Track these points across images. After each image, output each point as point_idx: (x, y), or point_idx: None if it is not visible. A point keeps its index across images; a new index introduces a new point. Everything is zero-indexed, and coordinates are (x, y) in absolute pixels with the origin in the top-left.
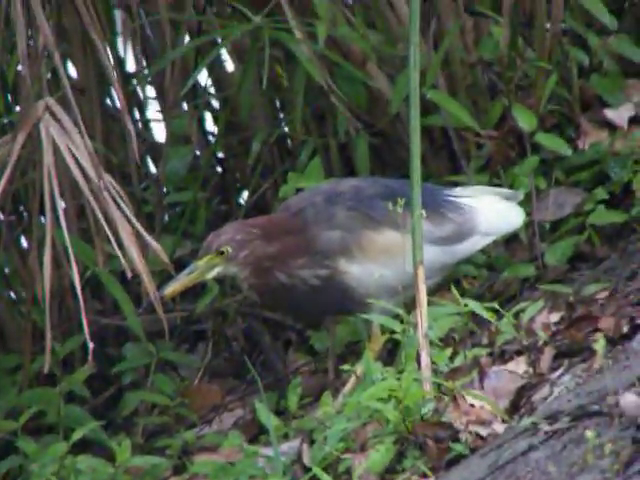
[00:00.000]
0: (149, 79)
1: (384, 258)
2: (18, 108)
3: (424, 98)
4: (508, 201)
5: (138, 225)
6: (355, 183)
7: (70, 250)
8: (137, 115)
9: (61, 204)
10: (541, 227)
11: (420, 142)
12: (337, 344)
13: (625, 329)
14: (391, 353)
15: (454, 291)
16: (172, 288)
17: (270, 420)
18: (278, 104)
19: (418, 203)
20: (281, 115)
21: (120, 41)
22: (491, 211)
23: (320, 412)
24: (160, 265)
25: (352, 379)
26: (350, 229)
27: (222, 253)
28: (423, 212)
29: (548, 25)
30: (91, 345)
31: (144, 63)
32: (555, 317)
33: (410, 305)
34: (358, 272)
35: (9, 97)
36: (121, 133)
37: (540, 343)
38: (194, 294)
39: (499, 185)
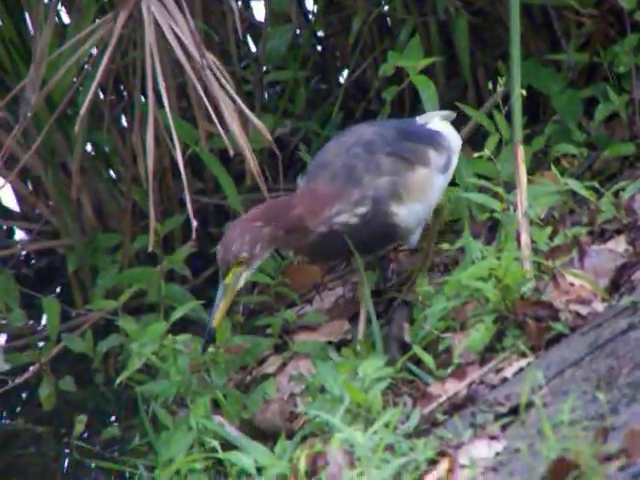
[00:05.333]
0: None
1: (421, 195)
2: None
3: None
4: (445, 121)
5: (240, 102)
6: (373, 129)
7: (173, 129)
8: None
9: (162, 83)
10: None
11: (520, 21)
12: (436, 223)
13: None
14: (491, 231)
15: (554, 170)
16: (216, 318)
17: (369, 302)
18: None
19: (517, 80)
20: None
21: None
22: (448, 131)
23: (420, 291)
24: (261, 143)
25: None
26: (396, 173)
27: (241, 262)
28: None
29: None
30: (195, 223)
31: None
32: None
33: (509, 186)
34: (405, 213)
35: None
36: (221, 12)
37: None
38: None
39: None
